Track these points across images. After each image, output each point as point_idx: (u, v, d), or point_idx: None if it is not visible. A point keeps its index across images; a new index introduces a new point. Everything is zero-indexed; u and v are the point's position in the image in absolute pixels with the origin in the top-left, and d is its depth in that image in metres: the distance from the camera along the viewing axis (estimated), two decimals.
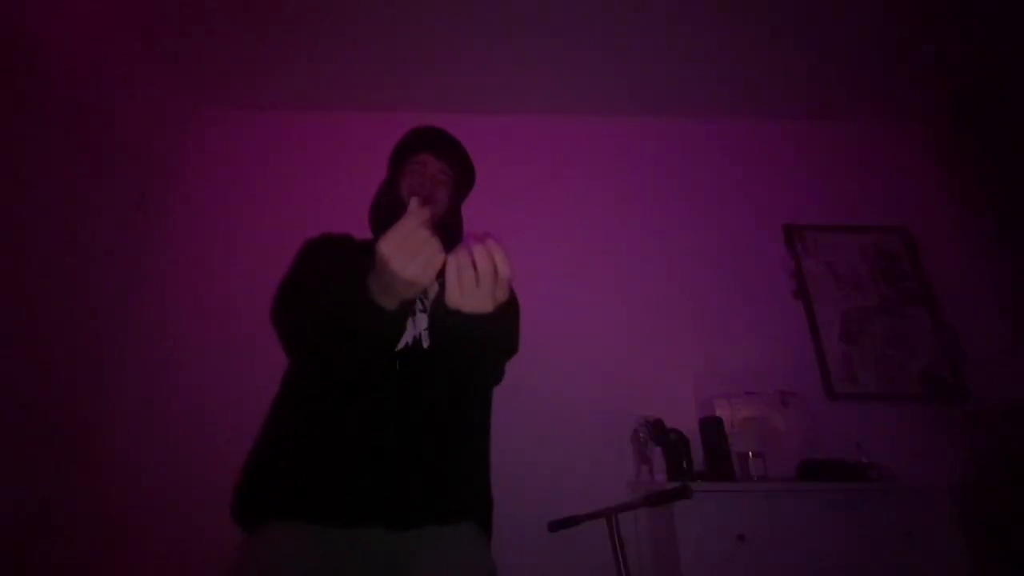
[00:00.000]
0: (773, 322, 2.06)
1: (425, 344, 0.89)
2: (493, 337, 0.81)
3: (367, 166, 2.30)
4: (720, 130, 2.45)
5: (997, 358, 1.99)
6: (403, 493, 0.80)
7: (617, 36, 2.07)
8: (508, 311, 0.77)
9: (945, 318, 2.08)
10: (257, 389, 1.84)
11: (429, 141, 1.15)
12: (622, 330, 2.01)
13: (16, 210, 1.54)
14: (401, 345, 0.88)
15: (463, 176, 1.17)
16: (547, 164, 2.35)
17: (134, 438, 1.77)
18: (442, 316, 0.69)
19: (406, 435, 0.84)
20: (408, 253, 0.62)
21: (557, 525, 1.44)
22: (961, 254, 2.21)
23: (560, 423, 1.84)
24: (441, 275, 0.63)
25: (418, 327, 0.90)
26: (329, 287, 0.83)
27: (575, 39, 2.08)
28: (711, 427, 1.68)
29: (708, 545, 1.42)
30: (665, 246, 2.18)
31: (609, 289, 2.08)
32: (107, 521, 1.66)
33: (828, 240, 2.22)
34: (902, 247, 2.22)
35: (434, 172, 1.09)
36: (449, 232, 1.11)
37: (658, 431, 1.69)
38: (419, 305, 0.93)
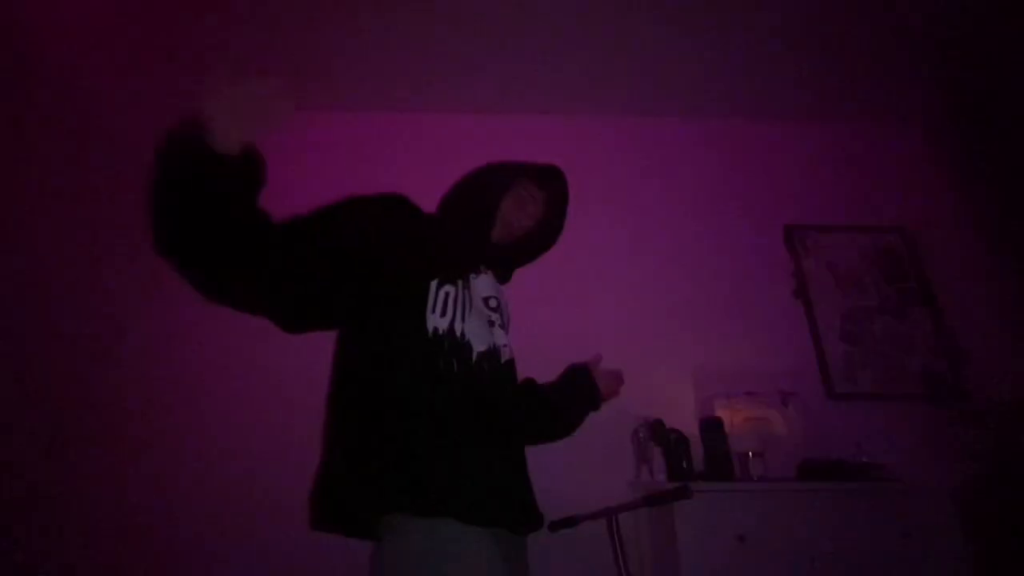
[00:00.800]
0: (773, 322, 2.06)
1: (503, 358, 0.89)
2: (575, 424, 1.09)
3: (371, 166, 2.32)
4: (720, 131, 2.45)
5: (997, 358, 1.99)
6: (532, 496, 0.86)
7: (617, 37, 2.07)
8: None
9: (945, 318, 2.08)
10: (259, 387, 1.85)
11: (552, 184, 1.10)
12: (622, 330, 2.01)
13: (18, 209, 1.54)
14: (482, 348, 0.84)
15: (545, 234, 1.13)
16: None
17: (135, 436, 1.77)
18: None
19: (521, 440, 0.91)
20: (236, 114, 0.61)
21: (557, 525, 1.43)
22: (961, 254, 2.21)
23: None
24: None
25: (496, 339, 0.89)
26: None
27: (574, 40, 2.08)
28: (711, 427, 1.68)
29: (708, 545, 1.42)
30: (665, 246, 2.18)
31: (609, 289, 2.08)
32: (109, 519, 1.66)
33: (828, 240, 2.22)
34: (902, 247, 2.22)
35: (533, 212, 1.07)
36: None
37: (658, 431, 1.70)
38: (497, 319, 0.91)
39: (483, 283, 0.92)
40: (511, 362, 0.92)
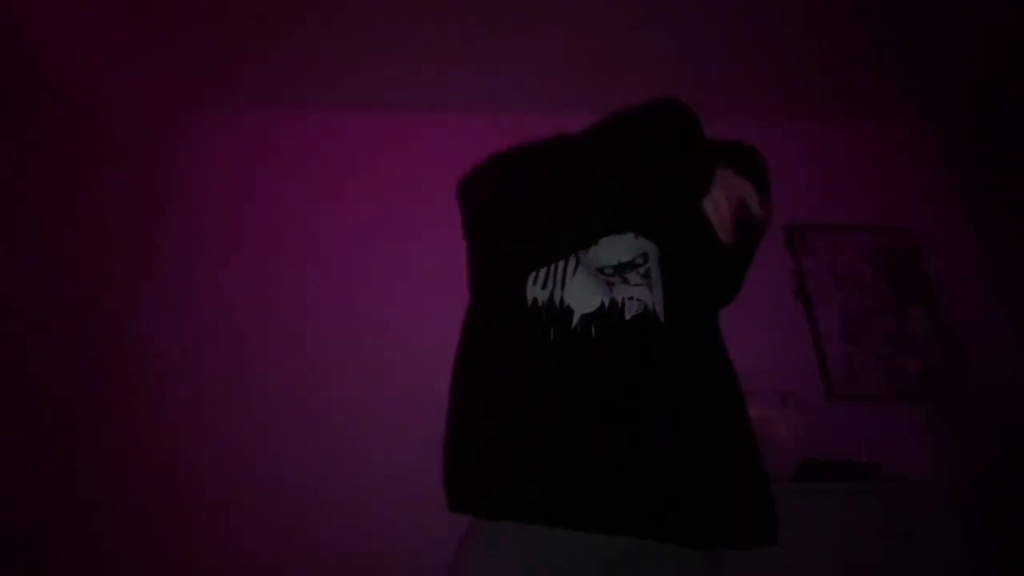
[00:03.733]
0: (773, 322, 2.05)
1: (661, 318, 0.82)
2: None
3: (368, 166, 2.32)
4: (720, 131, 2.44)
5: (997, 358, 1.99)
6: None
7: (615, 36, 2.07)
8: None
9: (945, 318, 2.07)
10: (257, 388, 1.85)
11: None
12: None
13: (16, 210, 1.54)
14: (635, 312, 0.79)
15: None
16: None
17: (135, 437, 1.78)
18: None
19: None
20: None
21: None
22: (961, 254, 2.21)
23: None
24: None
25: (653, 296, 0.83)
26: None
27: (572, 38, 2.08)
28: None
29: None
30: None
31: None
32: (110, 518, 1.66)
33: (828, 240, 2.22)
34: (903, 247, 2.21)
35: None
36: None
37: None
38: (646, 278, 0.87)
39: None
40: None
